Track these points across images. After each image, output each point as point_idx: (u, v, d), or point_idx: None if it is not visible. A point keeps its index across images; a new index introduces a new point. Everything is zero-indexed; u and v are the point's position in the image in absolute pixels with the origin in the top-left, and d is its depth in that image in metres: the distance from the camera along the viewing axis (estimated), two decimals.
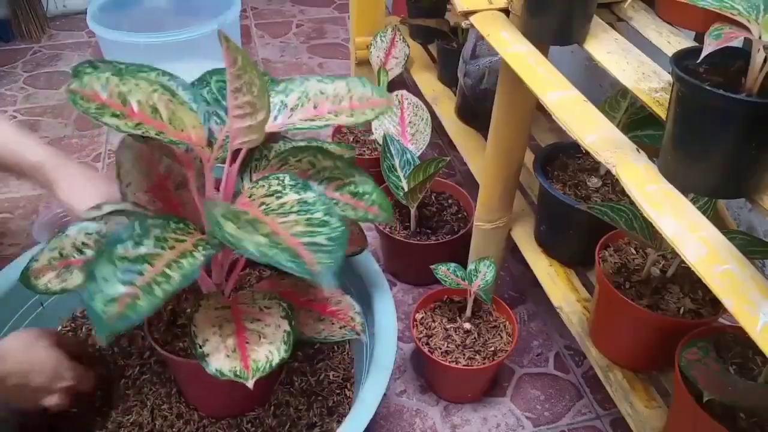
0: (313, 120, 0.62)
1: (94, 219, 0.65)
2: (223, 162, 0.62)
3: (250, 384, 0.57)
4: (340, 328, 0.67)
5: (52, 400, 0.71)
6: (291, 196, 0.56)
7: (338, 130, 1.34)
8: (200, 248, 0.56)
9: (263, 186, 0.58)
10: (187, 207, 0.68)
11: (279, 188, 0.57)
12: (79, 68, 0.61)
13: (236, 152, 0.61)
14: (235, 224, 0.53)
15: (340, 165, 0.64)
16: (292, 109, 0.63)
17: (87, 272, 0.51)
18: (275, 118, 0.63)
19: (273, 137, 0.67)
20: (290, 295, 0.68)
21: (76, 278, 0.64)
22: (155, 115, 0.54)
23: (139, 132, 0.53)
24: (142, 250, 0.54)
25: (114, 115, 0.52)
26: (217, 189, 0.63)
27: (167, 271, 0.53)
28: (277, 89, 0.64)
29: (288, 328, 0.61)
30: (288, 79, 0.65)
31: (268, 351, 0.59)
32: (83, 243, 0.65)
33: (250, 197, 0.58)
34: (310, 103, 0.63)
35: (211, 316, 0.63)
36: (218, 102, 0.67)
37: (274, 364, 0.58)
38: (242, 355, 0.59)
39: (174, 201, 0.67)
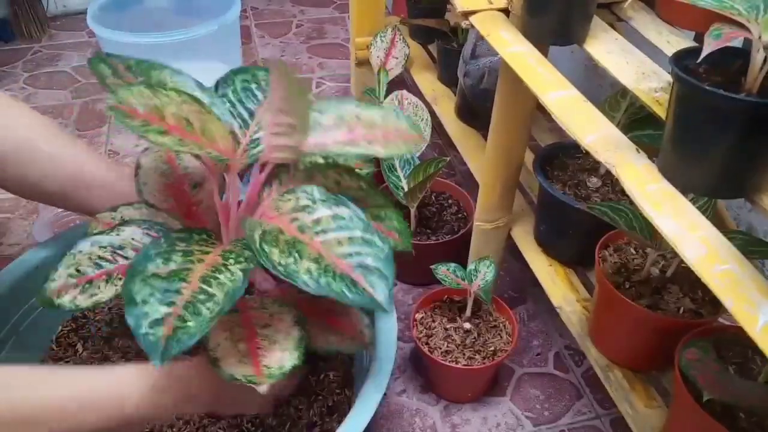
0: (347, 145, 0.60)
1: (103, 232, 0.65)
2: (248, 167, 0.62)
3: (263, 389, 0.55)
4: (349, 340, 0.66)
5: None
6: (323, 212, 0.54)
7: None
8: (231, 261, 0.55)
9: (290, 200, 0.56)
10: (201, 206, 0.68)
11: (309, 202, 0.55)
12: (97, 65, 0.61)
13: (264, 164, 0.61)
14: (278, 249, 0.51)
15: (365, 187, 0.63)
16: (326, 130, 0.61)
17: (125, 296, 0.51)
18: (310, 136, 0.62)
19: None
20: (300, 303, 0.67)
21: (107, 291, 0.63)
22: (189, 128, 0.53)
23: (184, 148, 0.52)
24: (173, 266, 0.53)
25: (159, 132, 0.51)
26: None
27: (206, 288, 0.52)
28: (313, 108, 0.62)
29: (299, 335, 0.60)
30: (325, 100, 0.64)
31: (280, 357, 0.58)
32: (99, 257, 0.65)
33: (276, 210, 0.56)
34: (345, 126, 0.61)
35: (223, 319, 0.62)
36: (242, 103, 0.66)
37: (286, 370, 0.57)
38: (254, 360, 0.58)
39: (188, 199, 0.68)
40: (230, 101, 0.65)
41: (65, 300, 0.63)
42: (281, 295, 0.68)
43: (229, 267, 0.54)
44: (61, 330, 0.89)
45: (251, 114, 0.66)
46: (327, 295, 0.48)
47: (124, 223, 0.65)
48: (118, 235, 0.64)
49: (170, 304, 0.51)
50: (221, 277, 0.53)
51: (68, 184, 0.73)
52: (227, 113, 0.64)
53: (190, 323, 0.50)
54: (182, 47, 1.40)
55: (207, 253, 0.56)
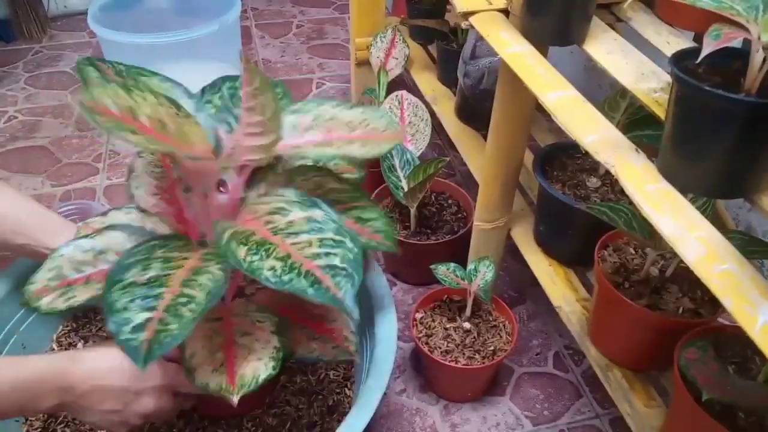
0: (323, 146, 0.61)
1: (87, 236, 0.65)
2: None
3: (234, 400, 0.56)
4: (333, 348, 0.66)
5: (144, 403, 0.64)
6: (297, 214, 0.54)
7: None
8: (213, 263, 0.55)
9: (267, 203, 0.57)
10: (192, 209, 0.68)
11: (284, 205, 0.56)
12: (83, 71, 0.60)
13: (244, 166, 0.61)
14: (246, 247, 0.52)
15: (348, 188, 0.64)
16: (304, 131, 0.62)
17: (105, 306, 0.52)
18: (285, 138, 0.61)
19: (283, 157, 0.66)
20: (286, 309, 0.67)
21: (84, 294, 0.64)
22: (163, 129, 0.53)
23: (155, 147, 0.53)
24: (152, 273, 0.54)
25: (132, 132, 0.51)
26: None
27: (187, 291, 0.53)
28: (292, 109, 0.63)
29: (277, 344, 0.61)
30: (303, 102, 0.64)
31: (255, 367, 0.59)
32: (80, 261, 0.65)
33: (253, 213, 0.57)
34: (323, 127, 0.62)
35: (203, 328, 0.62)
36: (228, 109, 0.66)
37: (260, 380, 0.58)
38: (229, 370, 0.59)
39: (180, 203, 0.68)
40: (216, 107, 0.65)
41: (43, 303, 0.64)
42: (269, 300, 0.68)
43: (209, 268, 0.55)
44: (62, 330, 0.89)
45: (238, 119, 0.66)
46: (289, 290, 0.49)
47: (109, 227, 0.65)
48: (101, 239, 0.64)
49: (151, 309, 0.52)
50: (201, 278, 0.54)
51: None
52: (210, 119, 0.63)
53: (172, 326, 0.51)
54: (182, 47, 1.40)
55: (187, 258, 0.56)
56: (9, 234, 0.73)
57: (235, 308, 0.66)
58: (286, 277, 0.50)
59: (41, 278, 0.64)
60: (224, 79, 0.69)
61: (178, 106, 0.56)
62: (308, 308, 0.68)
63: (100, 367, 0.62)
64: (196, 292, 0.53)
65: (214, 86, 0.68)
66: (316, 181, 0.63)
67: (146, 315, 0.51)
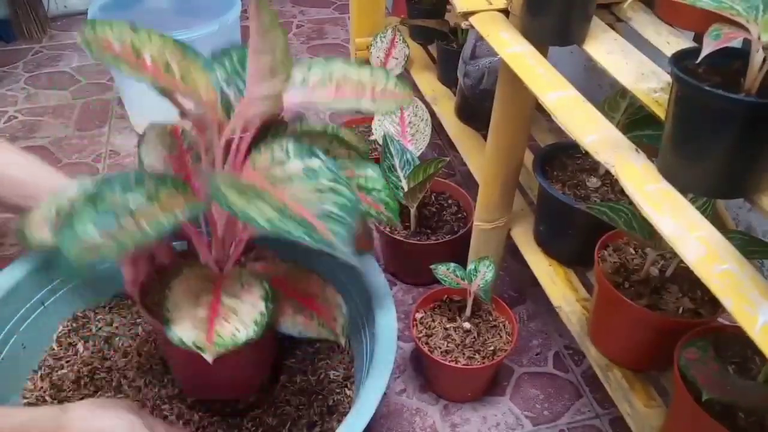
0: (334, 101, 0.61)
1: (94, 177, 0.66)
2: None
3: (208, 358, 0.55)
4: (319, 325, 0.64)
5: None
6: (296, 164, 0.54)
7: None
8: (185, 208, 0.54)
9: (266, 154, 0.56)
10: (200, 176, 0.68)
11: (283, 156, 0.55)
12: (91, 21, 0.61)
13: (250, 122, 0.60)
14: (242, 195, 0.51)
15: (354, 155, 0.64)
16: (312, 88, 0.61)
17: (68, 214, 0.50)
18: (294, 94, 0.61)
19: (290, 118, 0.66)
20: (281, 282, 0.66)
21: None
22: (168, 71, 0.53)
23: (154, 84, 0.52)
24: (129, 198, 0.52)
25: (131, 66, 0.51)
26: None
27: (143, 223, 0.51)
28: (300, 65, 0.62)
29: (263, 310, 0.60)
30: (312, 59, 0.64)
31: (236, 328, 0.58)
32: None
33: (254, 168, 0.56)
34: (333, 84, 0.61)
35: (192, 284, 0.62)
36: (238, 74, 0.66)
37: (239, 341, 0.57)
38: (209, 327, 0.57)
39: (188, 171, 0.68)
40: (227, 71, 0.65)
41: (36, 236, 0.65)
42: (264, 271, 0.67)
43: (176, 211, 0.53)
44: (62, 330, 0.89)
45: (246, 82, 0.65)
46: (278, 231, 0.48)
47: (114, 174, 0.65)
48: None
49: (103, 229, 0.50)
50: (162, 218, 0.52)
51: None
52: (219, 80, 0.63)
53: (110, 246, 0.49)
54: None
55: (174, 199, 0.55)
56: (19, 199, 0.73)
57: (230, 274, 0.65)
58: (278, 222, 0.49)
59: (42, 212, 0.65)
60: (234, 47, 0.68)
61: (185, 49, 0.55)
62: (303, 285, 0.68)
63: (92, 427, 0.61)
64: (148, 226, 0.51)
65: (225, 52, 0.67)
66: (323, 146, 0.63)
67: (95, 235, 0.49)
